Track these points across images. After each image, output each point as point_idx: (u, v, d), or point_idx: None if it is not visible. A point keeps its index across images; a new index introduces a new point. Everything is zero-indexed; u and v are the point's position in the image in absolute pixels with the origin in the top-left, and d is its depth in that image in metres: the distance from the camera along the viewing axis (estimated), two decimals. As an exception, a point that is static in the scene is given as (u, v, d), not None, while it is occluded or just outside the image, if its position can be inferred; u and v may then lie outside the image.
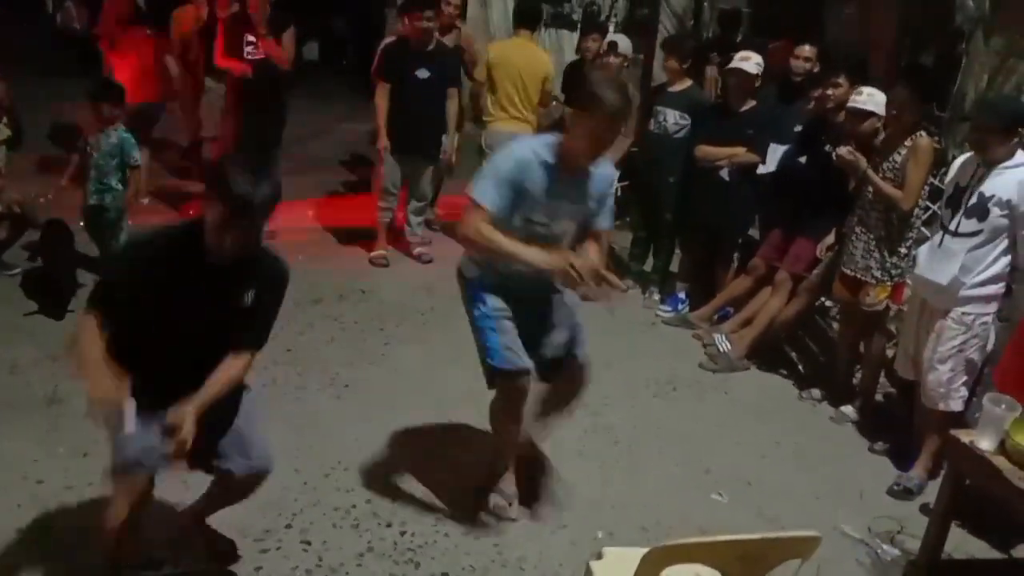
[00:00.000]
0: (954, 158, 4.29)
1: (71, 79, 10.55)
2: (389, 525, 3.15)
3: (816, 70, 5.01)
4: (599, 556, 2.27)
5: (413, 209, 6.00)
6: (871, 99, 4.17)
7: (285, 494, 3.25)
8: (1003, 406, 2.74)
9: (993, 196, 3.43)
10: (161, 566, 2.74)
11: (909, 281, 4.14)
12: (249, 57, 5.53)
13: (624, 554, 2.26)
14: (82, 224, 4.88)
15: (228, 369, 2.48)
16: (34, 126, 6.12)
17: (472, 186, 2.89)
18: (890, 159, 4.00)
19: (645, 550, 2.01)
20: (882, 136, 4.23)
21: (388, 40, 5.95)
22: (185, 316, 2.37)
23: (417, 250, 6.01)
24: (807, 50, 5.03)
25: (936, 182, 4.47)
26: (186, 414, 2.30)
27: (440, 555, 3.03)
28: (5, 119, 5.23)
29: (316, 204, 7.00)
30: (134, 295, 2.34)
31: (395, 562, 2.96)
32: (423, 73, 5.52)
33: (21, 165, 5.45)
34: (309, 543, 3.01)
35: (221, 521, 3.03)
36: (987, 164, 3.49)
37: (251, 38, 5.52)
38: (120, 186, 4.73)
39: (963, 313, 3.54)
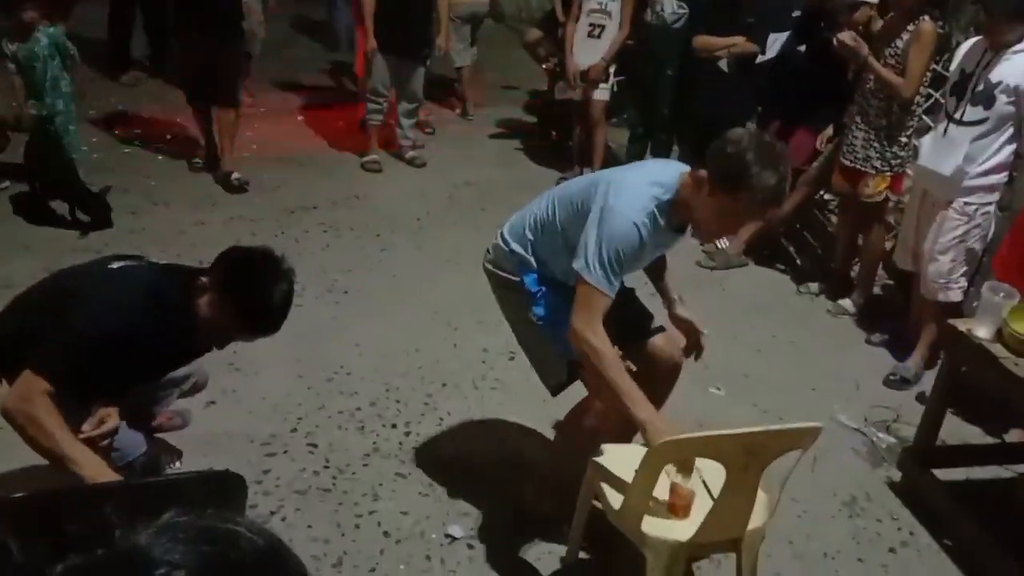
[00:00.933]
0: (958, 44, 4.16)
1: None
2: (394, 426, 3.20)
3: None
4: (600, 452, 2.31)
5: (404, 111, 5.87)
6: None
7: (289, 399, 3.29)
8: (1001, 294, 2.74)
9: (1000, 83, 3.34)
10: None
11: (909, 171, 4.09)
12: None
13: (625, 450, 2.30)
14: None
15: None
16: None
17: (589, 271, 2.25)
18: (892, 45, 3.88)
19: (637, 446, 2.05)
20: (880, 23, 4.10)
21: None
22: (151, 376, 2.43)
23: (409, 154, 5.92)
24: None
25: (939, 68, 4.36)
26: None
27: (445, 453, 3.08)
28: None
29: (304, 111, 6.86)
30: (107, 375, 2.13)
31: (401, 461, 3.02)
32: None
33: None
34: (315, 446, 3.06)
35: (227, 427, 3.09)
36: (994, 49, 3.39)
37: None
38: (67, 89, 4.44)
39: (965, 203, 3.50)
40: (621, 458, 2.24)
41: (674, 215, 2.33)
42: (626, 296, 2.60)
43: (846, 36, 3.91)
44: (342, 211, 5.11)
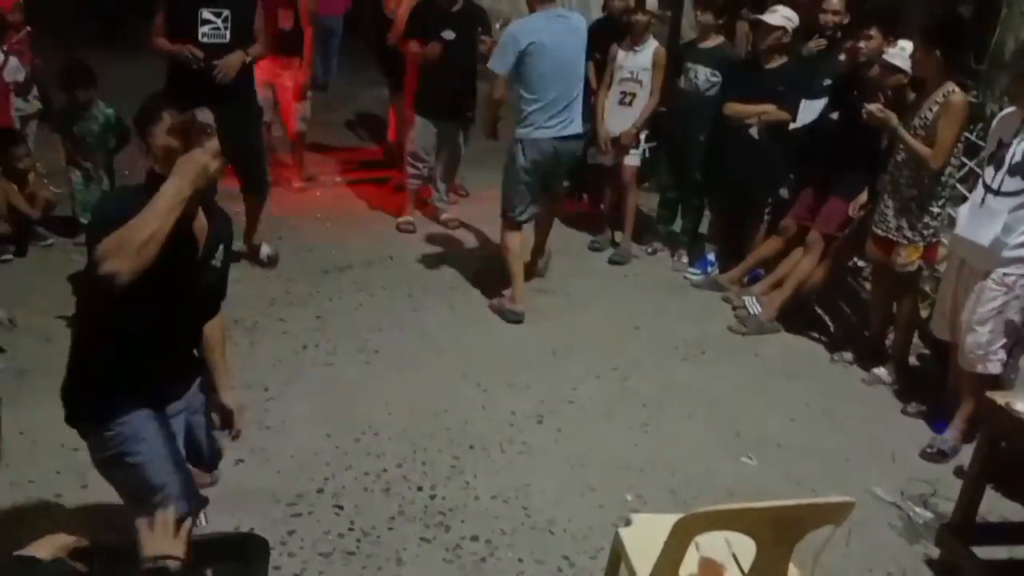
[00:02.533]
0: (993, 113, 4.16)
1: (98, 50, 10.66)
2: (420, 489, 3.18)
3: (846, 21, 4.87)
4: (628, 523, 2.27)
5: (441, 175, 5.97)
6: (902, 53, 4.06)
7: (316, 459, 3.29)
8: (1041, 367, 2.69)
9: None
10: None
11: (944, 241, 4.05)
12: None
13: (654, 520, 2.26)
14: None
15: (220, 338, 2.56)
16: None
17: None
18: (921, 115, 3.89)
19: (675, 516, 2.01)
20: (912, 96, 4.12)
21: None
22: (176, 286, 2.16)
23: (444, 216, 5.99)
24: (834, 3, 4.88)
25: (973, 137, 4.35)
26: (235, 399, 2.35)
27: (470, 518, 3.05)
28: (35, 91, 5.27)
29: (343, 171, 7.00)
30: None
31: (426, 525, 2.99)
32: (449, 34, 5.44)
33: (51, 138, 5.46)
34: (341, 507, 3.04)
35: (254, 485, 3.09)
36: (1029, 120, 3.38)
37: None
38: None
39: (1004, 274, 3.45)
40: (649, 529, 2.20)
41: None
42: None
43: (874, 107, 3.93)
44: (375, 270, 5.17)
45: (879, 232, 4.13)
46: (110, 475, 2.34)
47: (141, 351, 2.21)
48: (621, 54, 5.46)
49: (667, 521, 2.08)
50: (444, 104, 5.58)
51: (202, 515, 2.84)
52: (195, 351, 2.49)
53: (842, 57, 4.75)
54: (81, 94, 4.73)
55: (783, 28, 4.82)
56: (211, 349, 2.53)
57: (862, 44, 4.46)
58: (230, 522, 2.84)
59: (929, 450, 3.72)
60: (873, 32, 4.43)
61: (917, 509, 3.35)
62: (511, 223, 4.69)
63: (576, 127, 4.65)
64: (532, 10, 4.54)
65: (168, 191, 1.94)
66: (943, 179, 3.95)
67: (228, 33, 4.38)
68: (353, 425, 3.53)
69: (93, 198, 4.72)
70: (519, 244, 4.77)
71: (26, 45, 5.26)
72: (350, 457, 3.32)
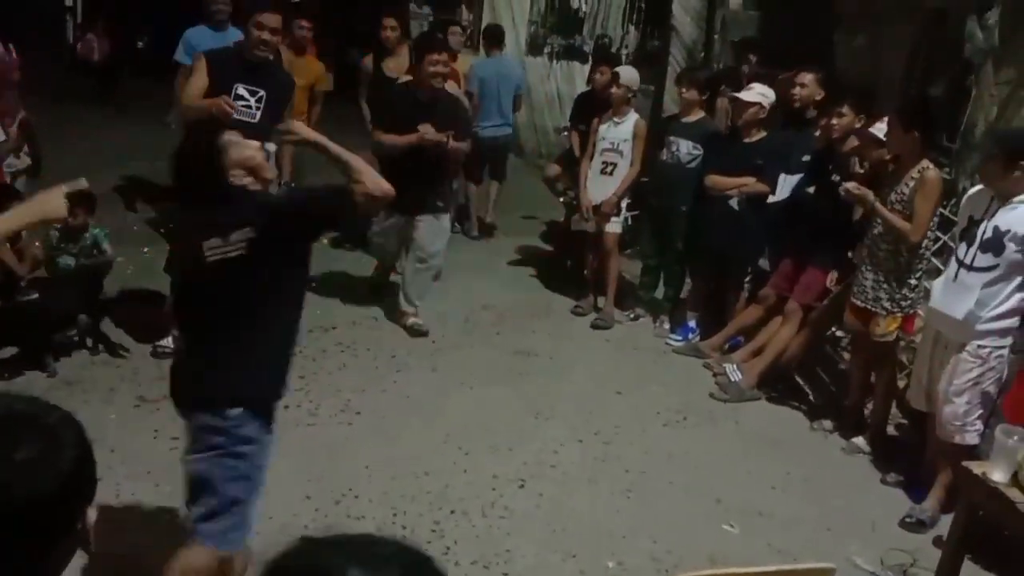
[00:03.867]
0: (964, 189, 4.30)
1: (88, 106, 10.80)
2: (399, 553, 3.15)
3: (819, 97, 5.04)
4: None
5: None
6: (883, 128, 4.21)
7: (296, 521, 3.25)
8: (1015, 437, 2.73)
9: (1008, 231, 3.42)
10: None
11: (921, 312, 4.14)
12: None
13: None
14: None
15: None
16: (56, 151, 6.21)
17: None
18: (898, 191, 4.01)
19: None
20: (891, 169, 4.25)
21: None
22: None
23: (410, 321, 5.27)
24: (806, 78, 5.06)
25: (946, 212, 4.48)
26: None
27: (450, 584, 3.02)
28: (26, 148, 5.32)
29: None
30: None
31: (405, 590, 2.95)
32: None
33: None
34: (319, 570, 3.00)
35: (232, 547, 3.04)
36: (1000, 197, 3.50)
37: None
38: None
39: (979, 346, 3.53)
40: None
41: None
42: None
43: (851, 186, 4.07)
44: (360, 331, 5.19)
45: (858, 303, 4.21)
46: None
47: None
48: (603, 126, 5.63)
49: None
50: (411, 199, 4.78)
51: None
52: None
53: (817, 133, 4.91)
54: (77, 220, 4.80)
55: (759, 104, 4.99)
56: None
57: (835, 121, 4.61)
58: (206, 584, 2.79)
59: (908, 520, 3.73)
60: (845, 109, 4.59)
61: (896, 578, 3.36)
62: None
63: None
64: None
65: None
66: (920, 252, 4.06)
67: (258, 114, 4.35)
68: (333, 487, 3.51)
69: None
70: None
71: (10, 103, 5.30)
72: (330, 519, 3.29)
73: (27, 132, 5.36)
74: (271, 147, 4.18)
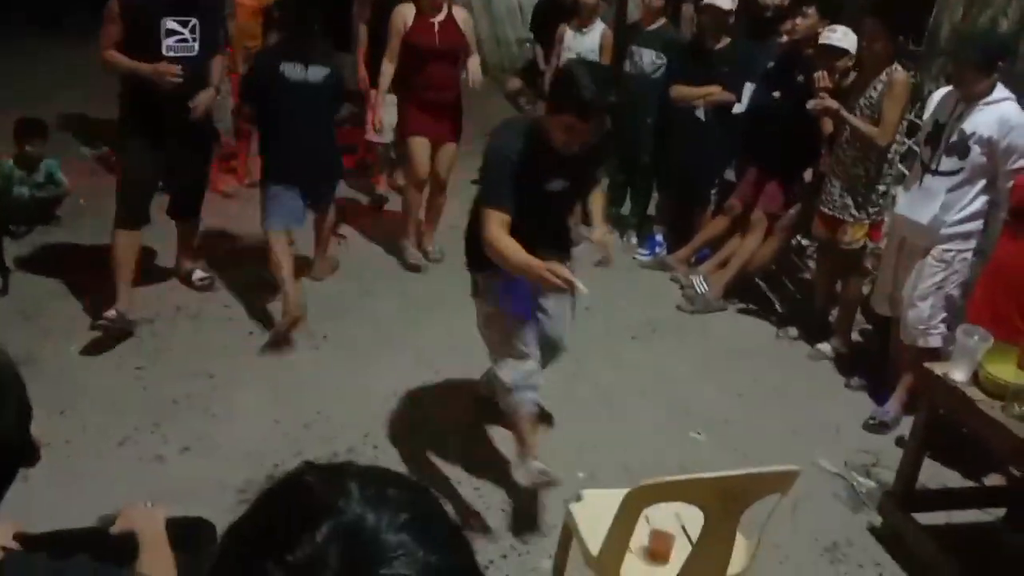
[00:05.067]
0: (930, 93, 4.26)
1: (41, 37, 10.34)
2: (371, 473, 3.16)
3: (786, 3, 4.94)
4: (579, 498, 2.29)
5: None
6: (845, 37, 4.13)
7: (265, 445, 3.24)
8: (975, 337, 2.76)
9: (974, 134, 3.41)
10: None
11: (887, 219, 4.15)
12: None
13: (604, 495, 2.28)
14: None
15: None
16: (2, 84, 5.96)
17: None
18: (865, 95, 3.96)
19: (624, 491, 2.03)
20: (853, 76, 4.20)
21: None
22: None
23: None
24: None
25: (912, 117, 4.45)
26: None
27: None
28: None
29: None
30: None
31: (378, 509, 2.97)
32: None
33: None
34: (291, 493, 3.00)
35: (201, 474, 3.03)
36: (967, 100, 3.46)
37: None
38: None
39: (944, 250, 3.55)
40: (599, 504, 2.21)
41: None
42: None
43: (816, 103, 4.01)
44: (323, 255, 5.10)
45: (825, 211, 4.21)
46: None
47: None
48: (568, 35, 5.46)
49: (617, 496, 2.10)
50: None
51: (149, 504, 2.79)
52: None
53: (784, 39, 4.81)
54: (33, 148, 4.85)
55: (731, 11, 4.87)
56: None
57: (798, 21, 4.52)
58: (177, 511, 2.75)
59: (871, 422, 3.81)
60: (810, 11, 4.49)
61: (860, 479, 3.44)
62: None
63: None
64: None
65: None
66: (889, 157, 4.04)
67: (197, 45, 3.83)
68: (302, 411, 3.49)
69: None
70: None
71: None
72: (300, 443, 3.28)
73: None
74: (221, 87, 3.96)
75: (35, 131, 4.91)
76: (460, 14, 4.82)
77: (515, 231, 2.71)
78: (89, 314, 4.02)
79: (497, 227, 2.69)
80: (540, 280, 2.66)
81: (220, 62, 4.14)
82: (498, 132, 2.89)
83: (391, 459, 3.24)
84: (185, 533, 1.58)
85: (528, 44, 6.71)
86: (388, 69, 4.75)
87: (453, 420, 3.55)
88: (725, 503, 1.92)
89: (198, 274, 4.48)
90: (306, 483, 0.71)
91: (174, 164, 4.01)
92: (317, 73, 4.10)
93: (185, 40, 3.79)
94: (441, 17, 4.69)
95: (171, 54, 3.74)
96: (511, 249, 2.67)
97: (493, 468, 3.25)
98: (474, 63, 4.78)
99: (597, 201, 3.26)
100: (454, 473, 3.21)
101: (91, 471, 2.99)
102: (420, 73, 4.70)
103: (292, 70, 4.05)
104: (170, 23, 3.74)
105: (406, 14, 4.68)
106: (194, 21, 3.80)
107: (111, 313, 3.85)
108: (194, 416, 3.38)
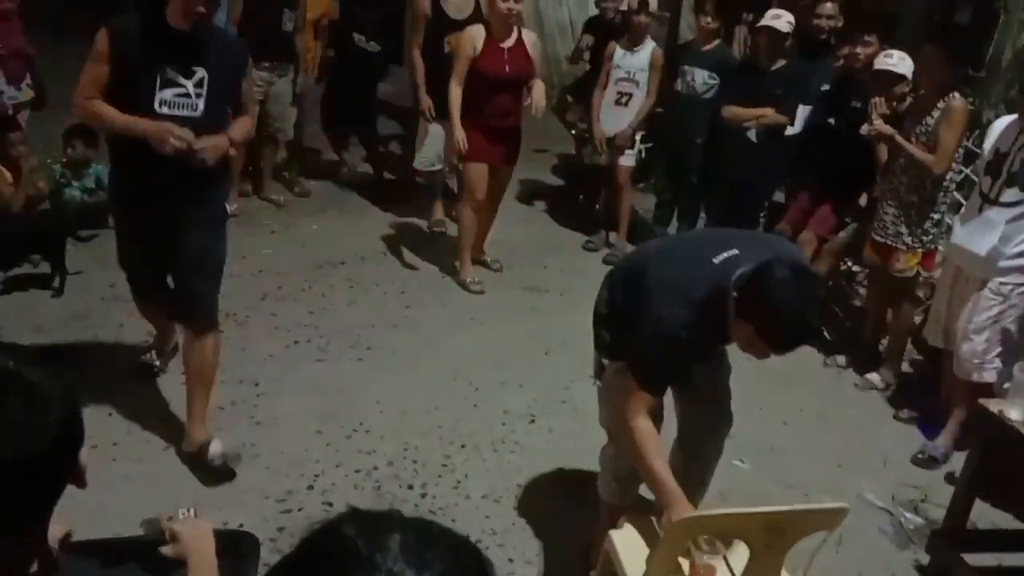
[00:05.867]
0: (989, 121, 4.17)
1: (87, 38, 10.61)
2: (410, 487, 3.16)
3: (840, 25, 4.87)
4: (619, 525, 2.26)
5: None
6: (902, 62, 4.06)
7: (307, 455, 3.26)
8: (1035, 376, 2.68)
9: None
10: None
11: (942, 248, 4.06)
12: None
13: (645, 523, 2.25)
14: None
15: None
16: (57, 85, 6.07)
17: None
18: (923, 122, 3.89)
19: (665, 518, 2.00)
20: (909, 101, 4.13)
21: None
22: None
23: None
24: (828, 7, 4.88)
25: (970, 145, 4.35)
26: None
27: (461, 517, 3.03)
28: (28, 79, 5.22)
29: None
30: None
31: (416, 524, 2.97)
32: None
33: (48, 128, 5.42)
34: (331, 504, 3.02)
35: (244, 482, 3.06)
36: (1029, 128, 3.38)
37: None
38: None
39: (1001, 283, 3.45)
40: (640, 532, 2.18)
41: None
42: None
43: (870, 129, 3.95)
44: (369, 266, 5.15)
45: (878, 238, 4.13)
46: None
47: None
48: (619, 53, 5.44)
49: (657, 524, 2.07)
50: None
51: (192, 511, 2.81)
52: None
53: (841, 62, 4.75)
54: (75, 152, 4.97)
55: (789, 33, 4.82)
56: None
57: (859, 50, 4.46)
58: (219, 518, 2.81)
59: (920, 456, 3.72)
60: (872, 39, 4.43)
61: (908, 515, 3.35)
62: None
63: None
64: None
65: None
66: (944, 185, 3.96)
67: (202, 104, 2.88)
68: (344, 422, 3.51)
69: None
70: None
71: (14, 32, 5.18)
72: (341, 454, 3.30)
73: (28, 63, 5.25)
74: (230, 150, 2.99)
75: (80, 135, 4.95)
76: (529, 37, 4.76)
77: None
78: (137, 319, 4.09)
79: (642, 408, 2.26)
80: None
81: (244, 125, 3.16)
82: (665, 297, 2.22)
83: (430, 474, 3.24)
84: (230, 545, 1.60)
85: (582, 60, 6.65)
86: (457, 93, 4.63)
87: (491, 436, 3.54)
88: (771, 538, 1.88)
89: (215, 448, 3.11)
90: (347, 534, 0.71)
91: (172, 259, 3.13)
92: None
93: (186, 95, 2.86)
94: (511, 42, 4.64)
95: (164, 110, 2.82)
96: (649, 444, 2.23)
97: (533, 488, 3.22)
98: (539, 90, 4.58)
99: None
100: (492, 490, 3.19)
101: (135, 475, 3.03)
102: (485, 100, 4.64)
103: None
104: (170, 72, 2.83)
105: (476, 38, 4.61)
106: (203, 74, 2.87)
107: (147, 356, 3.73)
108: (238, 424, 3.41)
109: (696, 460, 2.72)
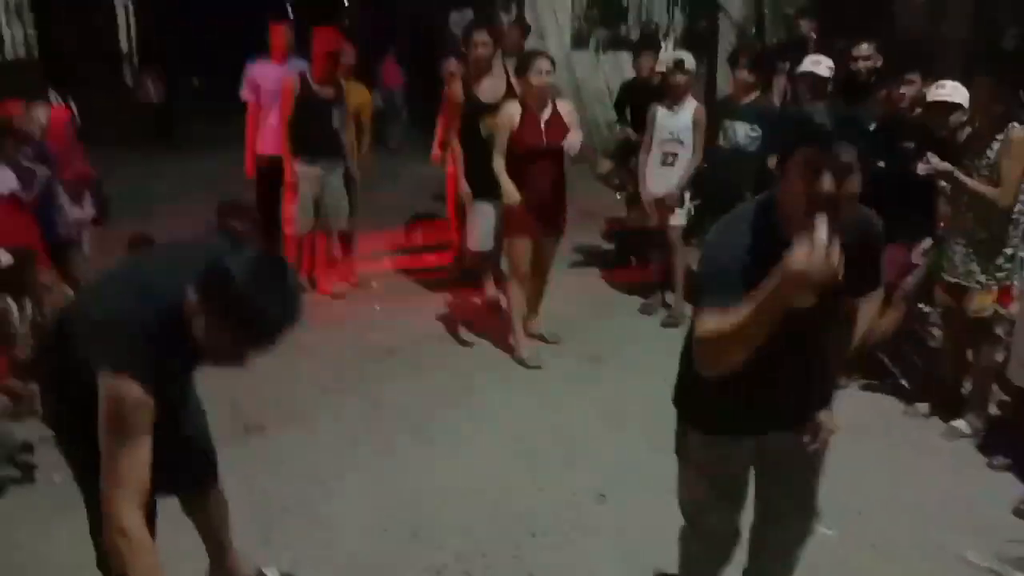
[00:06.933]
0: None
1: (145, 147, 11.10)
2: (482, 584, 3.05)
3: (878, 65, 4.79)
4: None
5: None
6: (956, 91, 3.96)
7: (374, 557, 3.17)
8: None
9: None
10: None
11: (1017, 283, 3.87)
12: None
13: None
14: None
15: None
16: (120, 195, 6.30)
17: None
18: (983, 156, 3.76)
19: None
20: (967, 132, 4.00)
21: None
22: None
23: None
24: (864, 49, 4.83)
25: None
26: None
27: (537, 613, 2.91)
28: (89, 197, 5.41)
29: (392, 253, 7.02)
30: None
31: (491, 623, 2.86)
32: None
33: (109, 241, 5.58)
34: (401, 609, 2.92)
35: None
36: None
37: None
38: None
39: (1085, 316, 3.26)
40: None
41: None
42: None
43: (926, 168, 3.83)
44: (424, 349, 5.13)
45: (949, 278, 3.96)
46: None
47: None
48: (661, 114, 5.43)
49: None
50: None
51: None
52: None
53: (879, 103, 4.66)
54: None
55: (830, 79, 4.76)
56: None
57: (903, 90, 4.36)
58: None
59: (1021, 507, 3.47)
60: (915, 76, 4.34)
61: (1017, 573, 3.11)
62: None
63: None
64: None
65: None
66: (1013, 218, 3.79)
67: None
68: (408, 516, 3.42)
69: None
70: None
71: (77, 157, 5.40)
72: (408, 553, 3.20)
73: (88, 182, 5.46)
74: None
75: (140, 242, 5.04)
76: (564, 107, 4.82)
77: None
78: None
79: (713, 322, 1.93)
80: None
81: None
82: (720, 227, 2.17)
83: (502, 568, 3.12)
84: None
85: (618, 127, 6.69)
86: (501, 163, 4.69)
87: (560, 520, 3.41)
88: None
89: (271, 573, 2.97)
90: None
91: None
92: None
93: None
94: (547, 114, 4.71)
95: None
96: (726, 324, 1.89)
97: (610, 575, 3.08)
98: (575, 135, 4.69)
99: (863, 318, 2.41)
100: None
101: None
102: (526, 172, 4.68)
103: None
104: None
105: (513, 114, 4.70)
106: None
107: None
108: (303, 526, 3.36)
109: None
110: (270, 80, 5.88)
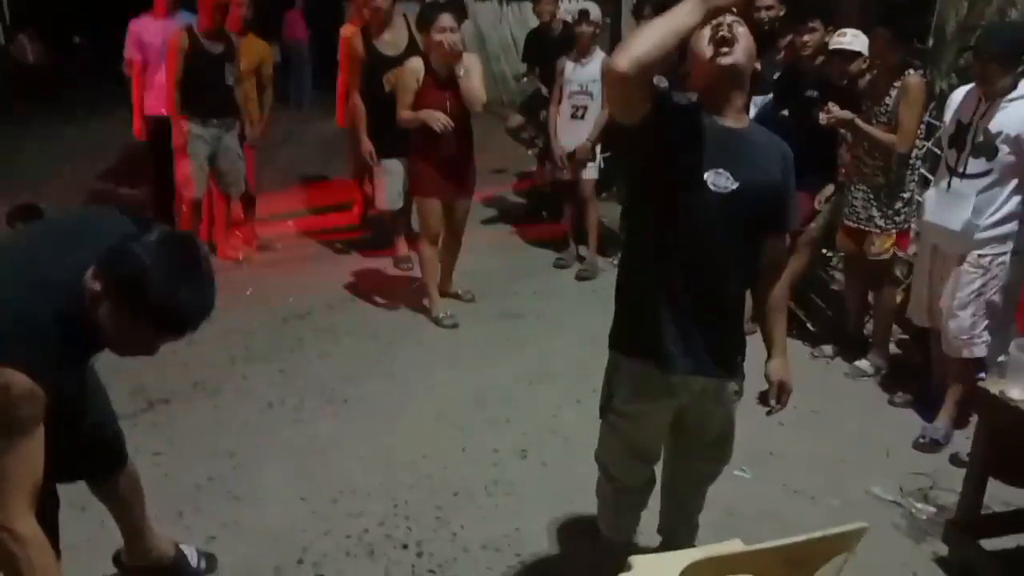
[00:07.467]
0: (943, 91, 4.13)
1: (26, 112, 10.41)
2: (405, 547, 3.00)
3: (781, 14, 4.83)
4: (628, 567, 2.13)
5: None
6: (856, 39, 4.02)
7: (293, 527, 3.09)
8: (1033, 351, 2.60)
9: (1000, 133, 3.27)
10: None
11: (915, 227, 4.00)
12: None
13: (655, 563, 2.12)
14: None
15: None
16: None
17: None
18: (881, 103, 3.84)
19: (677, 556, 1.88)
20: (867, 78, 4.08)
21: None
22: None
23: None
24: None
25: (930, 118, 4.31)
26: None
27: (462, 572, 2.89)
28: None
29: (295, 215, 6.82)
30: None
31: (415, 586, 2.83)
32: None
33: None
34: (324, 576, 2.87)
35: (229, 561, 2.90)
36: (989, 97, 3.32)
37: None
38: None
39: (979, 255, 3.40)
40: (650, 572, 2.06)
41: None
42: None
43: (827, 117, 3.90)
44: (337, 314, 5.00)
45: (850, 223, 4.07)
46: None
47: None
48: (569, 67, 5.38)
49: (669, 563, 1.94)
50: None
51: None
52: None
53: (781, 54, 4.71)
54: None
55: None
56: None
57: (806, 37, 4.41)
58: (206, 609, 2.65)
59: (922, 440, 3.64)
60: (816, 24, 4.39)
61: (919, 505, 3.26)
62: None
63: None
64: None
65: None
66: (910, 163, 3.91)
67: None
68: (328, 485, 3.34)
69: None
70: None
71: None
72: (328, 521, 3.13)
73: None
74: None
75: (24, 215, 4.78)
76: (468, 60, 4.63)
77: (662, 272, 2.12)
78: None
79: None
80: None
81: None
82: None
83: (424, 530, 3.09)
84: None
85: (526, 79, 6.61)
86: (407, 114, 4.52)
87: (483, 480, 3.40)
88: (790, 570, 1.77)
89: (188, 551, 2.83)
90: None
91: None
92: None
93: None
94: (451, 72, 4.52)
95: None
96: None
97: (534, 530, 3.09)
98: (479, 90, 4.56)
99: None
100: (491, 538, 3.05)
101: (113, 570, 2.86)
102: (431, 134, 4.51)
103: None
104: None
105: (417, 71, 4.53)
106: None
107: None
108: (217, 501, 3.24)
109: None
110: (155, 36, 5.55)
